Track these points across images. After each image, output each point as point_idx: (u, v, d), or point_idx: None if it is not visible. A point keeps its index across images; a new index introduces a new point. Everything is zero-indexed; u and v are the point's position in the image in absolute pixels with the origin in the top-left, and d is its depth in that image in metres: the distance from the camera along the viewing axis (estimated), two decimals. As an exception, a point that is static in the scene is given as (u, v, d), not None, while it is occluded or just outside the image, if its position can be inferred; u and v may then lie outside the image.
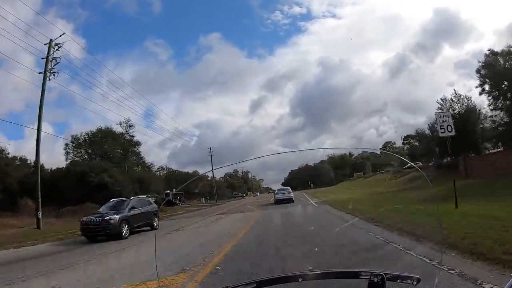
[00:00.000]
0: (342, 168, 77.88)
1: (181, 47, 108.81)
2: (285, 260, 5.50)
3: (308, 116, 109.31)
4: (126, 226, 11.56)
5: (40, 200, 18.77)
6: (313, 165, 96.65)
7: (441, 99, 31.96)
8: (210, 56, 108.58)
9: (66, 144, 38.53)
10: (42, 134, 20.51)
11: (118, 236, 11.02)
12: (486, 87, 26.59)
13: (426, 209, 8.12)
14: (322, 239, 7.27)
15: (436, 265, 3.95)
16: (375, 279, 1.00)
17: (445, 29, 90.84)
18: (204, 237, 9.82)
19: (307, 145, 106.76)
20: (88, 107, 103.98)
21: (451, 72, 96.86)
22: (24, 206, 26.41)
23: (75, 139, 39.82)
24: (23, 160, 31.47)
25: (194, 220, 16.66)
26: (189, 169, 75.11)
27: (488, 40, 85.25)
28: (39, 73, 21.01)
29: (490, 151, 28.53)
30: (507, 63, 25.09)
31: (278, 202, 22.76)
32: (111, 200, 13.75)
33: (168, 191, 55.28)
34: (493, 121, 27.71)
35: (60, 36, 21.88)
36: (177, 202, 52.45)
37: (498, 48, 26.32)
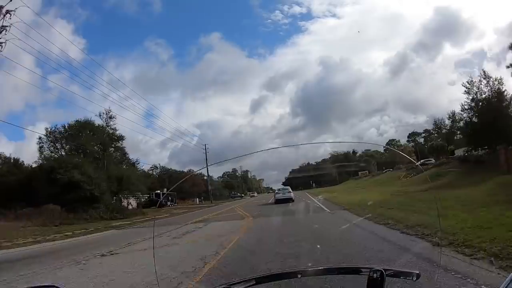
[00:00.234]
0: (346, 166, 72.72)
1: (182, 47, 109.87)
2: None
3: (308, 116, 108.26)
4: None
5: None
6: (314, 163, 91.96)
7: (467, 81, 27.09)
8: (210, 56, 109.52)
9: (40, 138, 33.72)
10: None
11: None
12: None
13: None
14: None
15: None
16: (375, 275, 0.97)
17: (446, 27, 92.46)
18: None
19: (307, 144, 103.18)
20: (88, 108, 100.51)
21: (452, 71, 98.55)
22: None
23: (50, 132, 35.02)
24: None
25: (156, 233, 11.65)
26: (188, 169, 70.36)
27: (489, 38, 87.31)
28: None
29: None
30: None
31: (278, 201, 21.96)
32: None
33: (159, 191, 50.48)
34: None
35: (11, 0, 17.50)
36: (168, 203, 47.42)
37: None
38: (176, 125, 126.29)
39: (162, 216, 26.47)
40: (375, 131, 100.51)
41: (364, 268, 1.05)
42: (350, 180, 62.76)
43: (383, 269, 0.99)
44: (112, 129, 36.53)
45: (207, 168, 51.41)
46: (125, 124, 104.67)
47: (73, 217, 24.37)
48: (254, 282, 1.03)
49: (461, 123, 29.68)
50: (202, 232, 10.46)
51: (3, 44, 18.52)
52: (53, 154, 34.30)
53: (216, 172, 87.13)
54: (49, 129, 34.85)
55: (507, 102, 25.31)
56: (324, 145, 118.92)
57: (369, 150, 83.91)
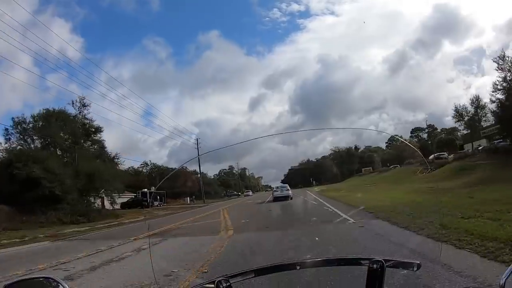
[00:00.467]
0: (349, 162, 68.16)
1: (180, 45, 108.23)
2: None
3: (307, 114, 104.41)
4: None
5: None
6: (314, 160, 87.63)
7: (499, 56, 22.62)
8: (209, 54, 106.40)
9: (6, 130, 28.98)
10: None
11: None
12: None
13: None
14: None
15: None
16: (375, 266, 0.94)
17: (445, 25, 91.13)
18: None
19: (306, 142, 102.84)
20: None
21: (451, 69, 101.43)
22: None
23: (17, 123, 30.27)
24: None
25: (75, 254, 7.06)
26: (181, 166, 65.68)
27: (488, 36, 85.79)
28: None
29: None
30: None
31: (276, 199, 21.92)
32: None
33: (146, 190, 45.86)
34: None
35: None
36: (156, 202, 42.76)
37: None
38: (175, 123, 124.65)
39: (132, 220, 21.93)
40: (374, 128, 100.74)
41: (364, 259, 1.01)
42: (354, 177, 58.16)
43: (383, 259, 0.95)
44: (87, 119, 31.80)
45: (199, 165, 46.70)
46: (125, 123, 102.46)
47: (26, 220, 19.98)
48: (253, 275, 1.01)
49: (492, 107, 24.82)
50: (133, 263, 5.81)
51: None
52: (20, 147, 29.65)
53: (212, 170, 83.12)
54: (16, 119, 30.17)
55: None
56: (323, 143, 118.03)
57: (370, 146, 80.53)
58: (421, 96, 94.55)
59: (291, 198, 21.60)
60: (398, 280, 2.33)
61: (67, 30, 67.15)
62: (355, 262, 1.07)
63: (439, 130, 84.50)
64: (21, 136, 30.29)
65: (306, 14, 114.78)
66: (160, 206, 43.40)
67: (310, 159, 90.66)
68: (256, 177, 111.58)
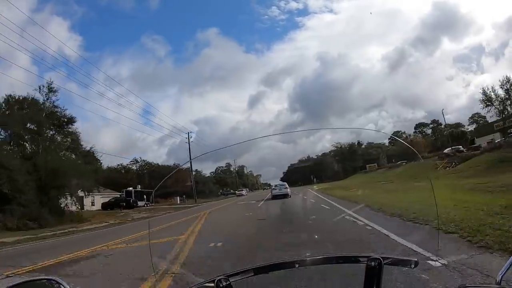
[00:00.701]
0: (351, 159, 63.69)
1: (179, 43, 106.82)
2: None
3: (307, 111, 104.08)
4: None
5: None
6: (315, 157, 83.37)
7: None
8: (208, 51, 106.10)
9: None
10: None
11: None
12: None
13: None
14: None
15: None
16: (373, 263, 0.94)
17: (445, 22, 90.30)
18: None
19: (305, 140, 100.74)
20: (84, 106, 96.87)
21: (450, 66, 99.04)
22: None
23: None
24: None
25: None
26: (174, 163, 61.09)
27: (487, 33, 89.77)
28: None
29: None
30: None
31: (275, 197, 21.66)
32: None
33: (131, 189, 41.32)
34: None
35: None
36: (142, 203, 38.19)
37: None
38: (174, 122, 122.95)
39: (97, 226, 17.47)
40: (373, 126, 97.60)
41: (362, 257, 1.01)
42: (358, 174, 53.71)
43: (381, 257, 0.95)
44: (56, 106, 27.20)
45: (190, 162, 42.25)
46: (123, 121, 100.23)
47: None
48: (253, 273, 1.00)
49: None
50: None
51: None
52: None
53: (211, 168, 78.93)
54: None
55: None
56: (322, 141, 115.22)
57: (372, 143, 76.36)
58: (420, 94, 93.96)
59: (290, 196, 21.08)
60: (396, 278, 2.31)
61: (65, 28, 66.21)
62: (354, 259, 1.06)
63: (442, 126, 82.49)
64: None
65: (305, 12, 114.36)
66: (146, 206, 38.88)
67: (311, 156, 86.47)
68: (255, 175, 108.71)
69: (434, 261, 3.53)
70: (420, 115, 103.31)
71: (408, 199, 10.60)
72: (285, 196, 21.29)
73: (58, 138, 28.86)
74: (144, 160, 57.04)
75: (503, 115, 31.53)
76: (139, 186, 42.06)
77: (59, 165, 22.32)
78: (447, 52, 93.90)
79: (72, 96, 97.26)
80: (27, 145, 25.11)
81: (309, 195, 20.72)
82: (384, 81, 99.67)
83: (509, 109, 30.29)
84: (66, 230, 15.24)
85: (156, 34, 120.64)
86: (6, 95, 25.68)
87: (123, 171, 54.03)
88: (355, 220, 7.51)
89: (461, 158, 25.01)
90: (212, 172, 78.02)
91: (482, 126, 52.32)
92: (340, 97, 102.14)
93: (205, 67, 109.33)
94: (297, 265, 1.05)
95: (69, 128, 29.52)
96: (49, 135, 27.42)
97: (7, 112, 25.06)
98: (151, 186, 48.78)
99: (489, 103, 31.27)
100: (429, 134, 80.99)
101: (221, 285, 0.91)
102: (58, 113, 28.18)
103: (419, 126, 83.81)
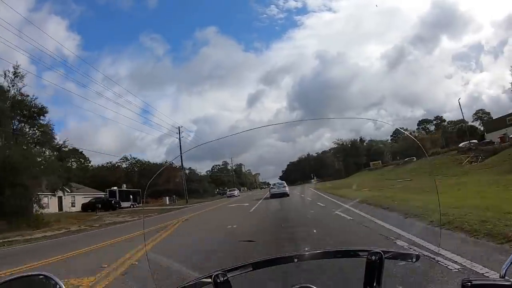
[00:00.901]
0: (354, 156, 60.01)
1: (177, 41, 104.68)
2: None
3: (306, 110, 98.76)
4: None
5: None
6: (315, 154, 79.85)
7: None
8: (206, 50, 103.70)
9: None
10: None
11: None
12: None
13: None
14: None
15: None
16: (373, 258, 0.91)
17: (444, 20, 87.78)
18: None
19: (304, 139, 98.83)
20: (83, 105, 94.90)
21: (449, 65, 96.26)
22: None
23: None
24: None
25: None
26: (165, 160, 57.29)
27: (486, 31, 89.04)
28: None
29: None
30: None
31: (274, 196, 21.06)
32: None
33: (115, 188, 37.57)
34: None
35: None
36: (121, 203, 34.24)
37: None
38: (172, 121, 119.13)
39: (54, 233, 13.88)
40: (372, 125, 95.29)
41: (362, 251, 0.98)
42: (362, 171, 50.11)
43: (381, 251, 0.91)
44: (23, 94, 23.55)
45: (181, 158, 38.49)
46: (122, 121, 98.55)
47: None
48: (251, 268, 0.97)
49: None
50: None
51: None
52: None
53: (207, 167, 75.60)
54: None
55: None
56: (321, 139, 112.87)
57: (372, 140, 73.12)
58: (419, 92, 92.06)
59: (288, 195, 20.84)
60: (397, 272, 2.23)
61: (63, 28, 66.47)
62: (354, 254, 1.04)
63: (445, 123, 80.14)
64: None
65: (303, 10, 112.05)
66: (132, 207, 35.21)
67: (310, 154, 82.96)
68: (253, 173, 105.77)
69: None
70: (419, 114, 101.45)
71: (469, 202, 7.01)
72: (283, 195, 20.83)
73: (29, 130, 25.31)
74: (134, 158, 53.14)
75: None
76: (125, 185, 38.34)
77: (21, 160, 18.61)
78: (446, 51, 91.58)
79: (71, 95, 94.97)
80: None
81: (316, 197, 17.03)
82: (383, 79, 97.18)
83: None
84: (17, 238, 11.71)
85: (155, 32, 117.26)
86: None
87: (112, 169, 50.21)
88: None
89: (486, 151, 21.52)
90: (208, 170, 74.42)
91: (492, 121, 49.21)
92: (339, 95, 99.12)
93: (204, 65, 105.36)
94: (296, 260, 1.02)
95: (41, 120, 25.93)
96: (14, 126, 23.80)
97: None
98: (141, 185, 45.11)
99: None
100: (432, 130, 78.70)
101: (218, 281, 0.87)
102: (26, 103, 24.59)
103: (422, 122, 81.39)
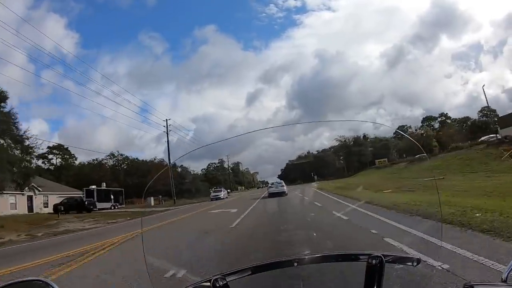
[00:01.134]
0: (358, 154, 56.19)
1: (176, 40, 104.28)
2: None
3: (305, 109, 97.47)
4: None
5: None
6: (316, 152, 76.06)
7: None
8: (205, 48, 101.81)
9: None
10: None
11: None
12: None
13: None
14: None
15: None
16: (374, 261, 0.90)
17: (443, 20, 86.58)
18: None
19: (303, 138, 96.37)
20: (81, 104, 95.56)
21: (449, 64, 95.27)
22: None
23: None
24: None
25: None
26: (154, 158, 53.30)
27: (485, 31, 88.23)
28: None
29: None
30: None
31: (272, 195, 21.10)
32: None
33: (93, 187, 33.58)
34: None
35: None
36: (96, 205, 30.25)
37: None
38: (172, 120, 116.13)
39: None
40: (371, 124, 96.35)
41: (362, 255, 0.97)
42: (367, 170, 46.18)
43: (382, 255, 0.90)
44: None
45: (168, 153, 34.63)
46: (120, 119, 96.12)
47: None
48: (250, 272, 0.97)
49: None
50: None
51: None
52: None
53: (202, 164, 71.70)
54: None
55: None
56: (321, 138, 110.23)
57: (375, 137, 69.74)
58: (418, 92, 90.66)
59: (286, 194, 20.61)
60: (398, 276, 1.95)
61: (62, 26, 64.69)
62: (354, 258, 1.02)
63: (449, 121, 77.57)
64: None
65: (303, 9, 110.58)
66: (114, 208, 31.27)
67: (311, 152, 79.25)
68: (252, 172, 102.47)
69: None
70: (418, 113, 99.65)
71: None
72: (281, 194, 20.71)
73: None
74: (121, 154, 48.98)
75: None
76: (104, 184, 34.34)
77: None
78: (446, 50, 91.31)
79: (69, 93, 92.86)
80: None
81: (330, 205, 11.99)
82: (383, 78, 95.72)
83: None
84: None
85: (154, 31, 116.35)
86: None
87: (97, 167, 46.22)
88: None
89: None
90: (204, 169, 70.48)
91: (503, 117, 46.31)
92: (338, 94, 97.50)
93: (202, 64, 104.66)
94: (295, 264, 1.01)
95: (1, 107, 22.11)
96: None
97: None
98: (126, 183, 41.18)
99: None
100: (436, 128, 75.99)
101: (217, 285, 0.85)
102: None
103: (426, 119, 78.50)
